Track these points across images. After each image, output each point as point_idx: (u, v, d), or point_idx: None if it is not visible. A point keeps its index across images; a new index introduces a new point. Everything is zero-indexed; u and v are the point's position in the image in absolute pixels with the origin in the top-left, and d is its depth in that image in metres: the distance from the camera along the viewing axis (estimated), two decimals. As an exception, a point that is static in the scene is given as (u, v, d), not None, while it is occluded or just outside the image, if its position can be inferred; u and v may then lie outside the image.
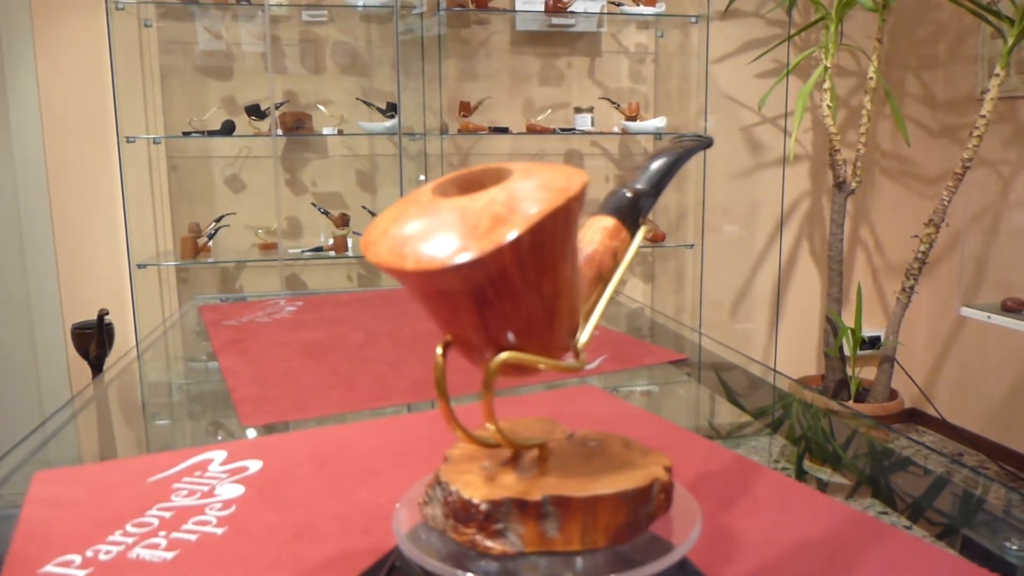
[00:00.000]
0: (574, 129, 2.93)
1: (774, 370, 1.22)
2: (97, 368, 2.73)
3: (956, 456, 3.10)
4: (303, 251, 2.85)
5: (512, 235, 0.33)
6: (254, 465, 0.71)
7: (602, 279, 0.46)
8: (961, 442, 3.19)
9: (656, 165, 0.52)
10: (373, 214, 2.95)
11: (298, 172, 2.93)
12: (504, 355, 0.38)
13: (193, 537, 0.58)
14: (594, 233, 0.48)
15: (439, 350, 0.41)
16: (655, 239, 3.04)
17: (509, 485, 0.40)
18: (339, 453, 0.74)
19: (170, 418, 1.00)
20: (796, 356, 3.36)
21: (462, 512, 0.40)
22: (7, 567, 0.55)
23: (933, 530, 0.68)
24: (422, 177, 2.95)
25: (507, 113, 3.01)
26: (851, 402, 2.96)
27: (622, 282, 3.09)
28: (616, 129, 2.99)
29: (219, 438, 0.86)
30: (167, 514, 0.62)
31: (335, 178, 2.96)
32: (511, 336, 0.38)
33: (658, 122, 2.93)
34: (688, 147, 0.53)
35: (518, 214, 0.33)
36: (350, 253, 2.85)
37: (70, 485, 0.68)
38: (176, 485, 0.67)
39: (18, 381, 2.77)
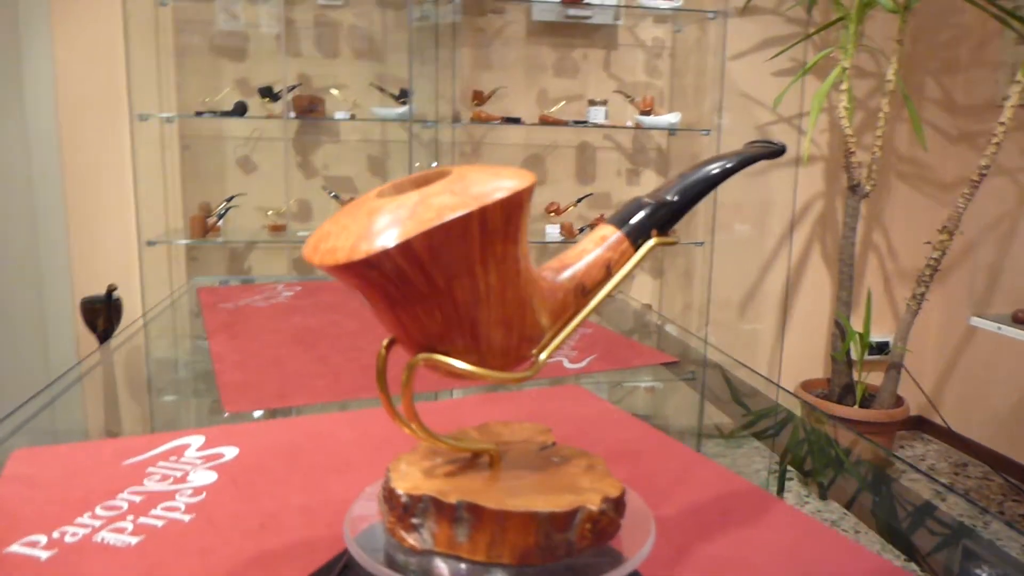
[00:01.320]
0: (587, 122, 2.91)
1: (779, 386, 1.22)
2: (104, 342, 2.76)
3: (960, 466, 3.08)
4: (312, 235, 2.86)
5: (396, 240, 0.33)
6: (230, 452, 0.71)
7: (585, 291, 0.44)
8: (966, 452, 3.17)
9: (692, 177, 0.49)
10: (383, 200, 2.95)
11: (309, 155, 2.93)
12: (420, 356, 0.38)
13: (160, 523, 0.58)
14: (588, 243, 0.47)
15: (384, 343, 0.41)
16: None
17: (435, 484, 0.41)
18: (315, 444, 0.74)
19: (158, 398, 1.01)
20: (803, 359, 3.34)
21: (388, 501, 0.41)
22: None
23: (909, 553, 0.67)
24: (435, 164, 2.95)
25: (520, 103, 3.00)
26: (856, 407, 2.94)
27: (629, 278, 3.06)
28: (630, 123, 2.97)
29: (200, 422, 0.87)
30: (137, 498, 0.62)
31: (346, 163, 2.96)
32: (433, 338, 0.38)
33: (672, 118, 2.91)
34: (752, 153, 0.50)
35: (416, 219, 0.34)
36: (358, 238, 2.86)
37: (46, 464, 0.68)
38: (150, 469, 0.67)
39: (27, 353, 2.80)
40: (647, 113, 2.94)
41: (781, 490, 0.77)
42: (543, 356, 0.42)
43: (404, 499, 0.40)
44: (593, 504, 0.37)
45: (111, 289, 2.69)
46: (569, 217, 3.02)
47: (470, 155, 3.03)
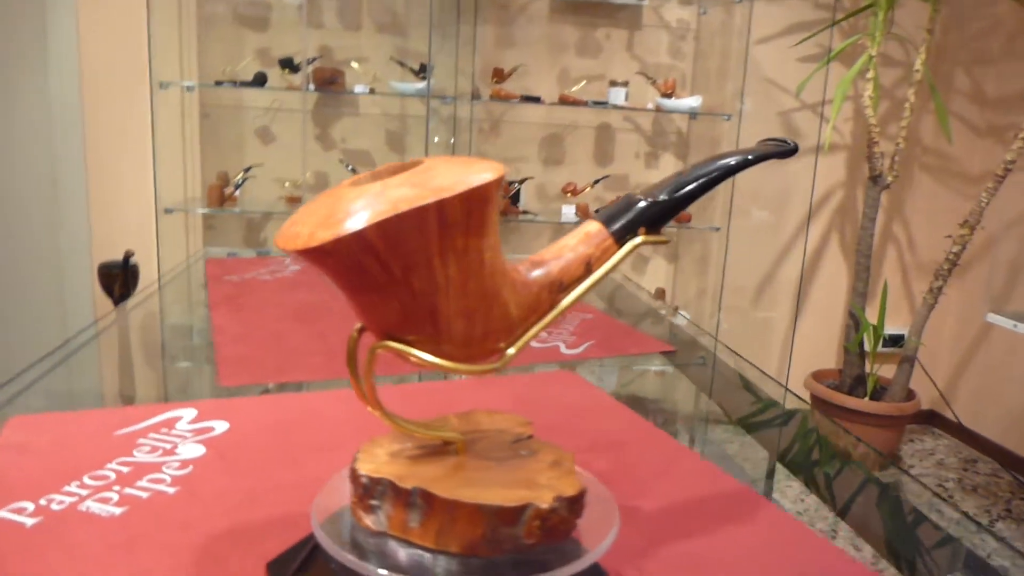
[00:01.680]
0: (607, 103, 2.88)
1: (785, 387, 1.21)
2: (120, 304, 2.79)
3: (969, 462, 3.06)
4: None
5: (351, 229, 0.34)
6: (220, 426, 0.72)
7: (563, 287, 0.44)
8: (976, 448, 3.14)
9: (688, 176, 0.48)
10: (399, 175, 2.95)
11: (328, 128, 2.94)
12: (378, 344, 0.39)
13: (145, 495, 0.59)
14: (571, 238, 0.46)
15: (355, 328, 0.42)
16: (680, 219, 3.00)
17: (396, 468, 0.41)
18: (305, 421, 0.75)
19: (172, 364, 1.03)
20: (815, 348, 3.31)
21: (352, 482, 0.42)
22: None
23: (890, 559, 0.67)
24: (452, 140, 2.94)
25: (541, 82, 2.98)
26: (867, 399, 2.92)
27: (643, 261, 3.05)
28: (650, 106, 2.94)
29: (200, 392, 0.88)
30: (125, 469, 0.63)
31: (365, 136, 2.96)
32: (393, 326, 0.39)
33: (693, 101, 2.87)
34: (761, 152, 0.50)
35: (372, 210, 0.34)
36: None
37: (40, 432, 0.70)
38: (141, 440, 0.69)
39: (45, 316, 2.85)
40: (668, 96, 2.90)
41: (770, 488, 0.77)
42: (512, 350, 0.42)
43: (364, 480, 0.41)
44: (544, 502, 0.38)
45: (128, 255, 2.73)
46: (586, 198, 3.01)
47: (488, 133, 3.02)
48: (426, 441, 0.46)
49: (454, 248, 0.37)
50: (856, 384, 3.00)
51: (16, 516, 0.55)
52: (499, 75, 2.85)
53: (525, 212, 2.97)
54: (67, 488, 0.60)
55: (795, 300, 3.27)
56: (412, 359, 0.40)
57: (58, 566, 0.49)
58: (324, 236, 0.35)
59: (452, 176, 0.37)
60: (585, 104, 2.89)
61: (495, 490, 0.38)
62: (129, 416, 0.74)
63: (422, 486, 0.39)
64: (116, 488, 0.60)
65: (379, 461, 0.43)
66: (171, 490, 0.60)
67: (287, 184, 2.88)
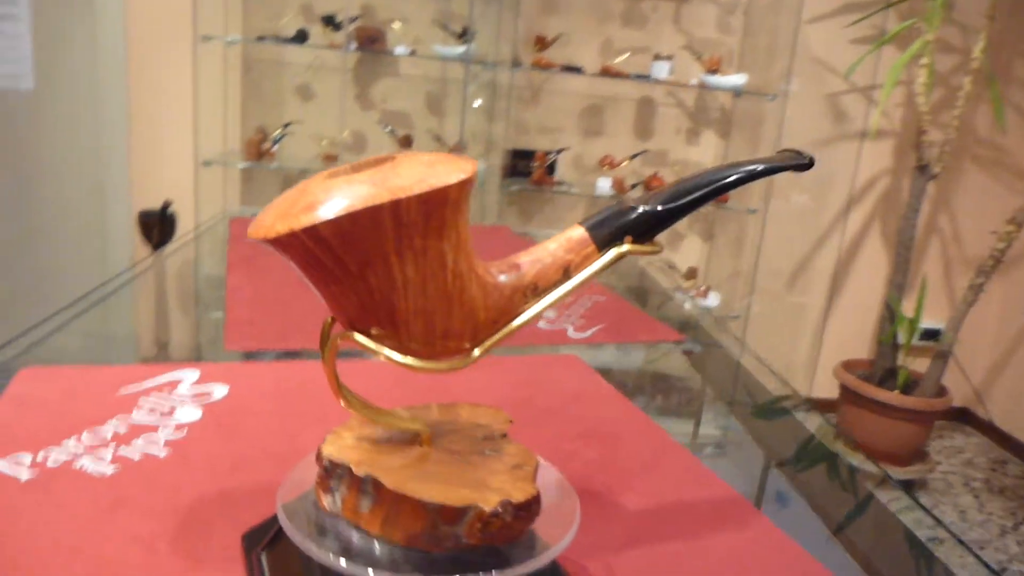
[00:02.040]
0: (650, 76, 2.83)
1: (809, 398, 1.20)
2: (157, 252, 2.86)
3: (999, 463, 3.00)
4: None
5: (304, 224, 0.34)
6: (219, 391, 0.74)
7: (538, 291, 0.44)
8: (1007, 449, 3.08)
9: (684, 185, 0.46)
10: (439, 139, 2.94)
11: (368, 88, 2.94)
12: (338, 334, 0.39)
13: (137, 456, 0.61)
14: (551, 242, 0.45)
15: (328, 317, 0.43)
16: (717, 199, 2.95)
17: (357, 454, 0.42)
18: (303, 390, 0.76)
19: (176, 321, 1.05)
20: (848, 338, 3.26)
21: (316, 461, 0.43)
22: (-32, 457, 0.59)
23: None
24: (477, 103, 2.93)
25: (584, 52, 2.93)
26: (897, 392, 2.87)
27: (678, 237, 3.00)
28: (694, 81, 2.88)
29: (207, 353, 0.90)
30: (123, 428, 0.65)
31: (404, 98, 2.95)
32: (353, 318, 0.39)
33: (738, 79, 2.81)
34: (772, 164, 0.47)
35: (329, 205, 0.34)
36: (408, 176, 2.87)
37: (48, 385, 0.72)
38: (142, 400, 0.71)
39: (86, 261, 2.93)
40: (713, 72, 2.84)
41: (761, 493, 0.76)
42: (477, 352, 0.42)
43: (326, 463, 0.42)
44: (487, 505, 0.38)
45: (166, 205, 2.78)
46: (623, 172, 2.98)
47: (528, 101, 2.99)
48: (395, 429, 0.47)
49: (412, 248, 0.37)
50: (887, 376, 2.95)
51: (14, 469, 0.58)
52: (541, 43, 2.81)
53: (560, 183, 2.95)
54: (66, 442, 0.62)
55: (831, 288, 3.21)
56: (371, 351, 0.40)
57: (44, 523, 0.51)
58: (280, 228, 0.35)
59: (414, 176, 0.36)
60: (627, 77, 2.84)
61: (442, 487, 0.39)
62: (134, 374, 0.76)
63: (374, 475, 0.40)
64: (111, 447, 0.62)
65: (344, 444, 0.44)
66: (163, 453, 0.62)
67: (324, 142, 2.89)
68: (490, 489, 0.39)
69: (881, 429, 2.86)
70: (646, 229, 0.44)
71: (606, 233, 0.43)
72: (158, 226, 2.82)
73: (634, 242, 0.43)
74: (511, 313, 0.42)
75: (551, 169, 2.97)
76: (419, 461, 0.42)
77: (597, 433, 0.73)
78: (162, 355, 0.93)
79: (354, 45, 2.71)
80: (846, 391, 2.94)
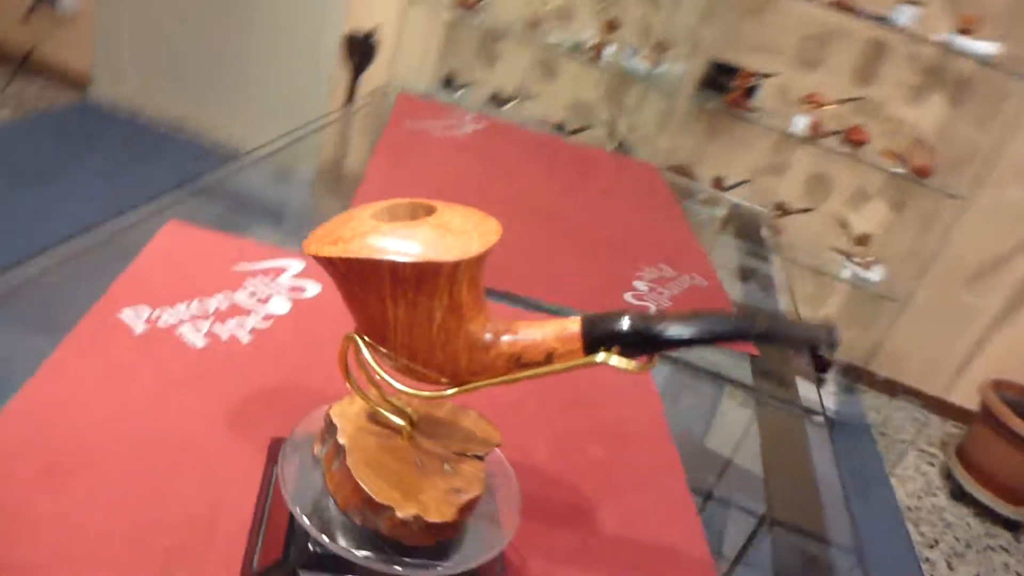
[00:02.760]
0: (887, 19, 2.56)
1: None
2: (354, 77, 3.03)
3: None
4: (563, 43, 2.85)
5: (327, 253, 0.44)
6: (312, 289, 0.85)
7: (520, 364, 0.47)
8: None
9: (697, 322, 0.44)
10: (646, 33, 2.85)
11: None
12: (351, 333, 0.49)
13: (225, 336, 0.74)
14: (550, 325, 0.47)
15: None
16: (921, 172, 2.71)
17: (353, 420, 0.51)
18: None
19: (315, 197, 1.17)
20: (1015, 356, 2.99)
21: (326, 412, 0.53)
22: (108, 293, 0.74)
23: None
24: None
25: (826, -26, 2.67)
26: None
27: (864, 198, 2.78)
28: (938, 37, 2.57)
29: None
30: (225, 305, 0.78)
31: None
32: (363, 329, 0.49)
33: (989, 47, 2.48)
34: (793, 331, 0.45)
35: (348, 245, 0.43)
36: (601, 61, 2.83)
37: (184, 243, 0.86)
38: (248, 281, 0.83)
39: (295, 73, 3.15)
40: (965, 32, 2.52)
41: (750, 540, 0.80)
42: (451, 391, 0.49)
43: (328, 418, 0.52)
44: (402, 512, 0.45)
45: (370, 33, 2.92)
46: (825, 115, 2.77)
47: (747, 13, 2.80)
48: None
49: (404, 297, 0.44)
50: (1037, 408, 2.72)
51: (132, 320, 0.72)
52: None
53: (755, 110, 2.80)
54: (179, 305, 0.75)
55: (1013, 297, 2.93)
56: (366, 362, 0.48)
57: (138, 380, 0.65)
58: (313, 249, 0.45)
59: (427, 240, 0.43)
60: (860, 14, 2.58)
61: (380, 481, 0.47)
62: (253, 252, 0.88)
63: (347, 446, 0.49)
64: (210, 320, 0.75)
65: (350, 410, 0.53)
66: (246, 339, 0.74)
67: (532, 8, 2.87)
68: (416, 500, 0.47)
69: (1012, 462, 2.67)
70: (639, 346, 0.45)
71: (597, 338, 0.46)
72: (360, 51, 2.97)
73: (621, 354, 0.46)
74: (491, 372, 0.48)
75: (750, 92, 2.82)
76: (386, 450, 0.51)
77: (607, 434, 0.78)
78: (292, 229, 1.06)
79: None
80: (986, 411, 2.74)
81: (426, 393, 0.50)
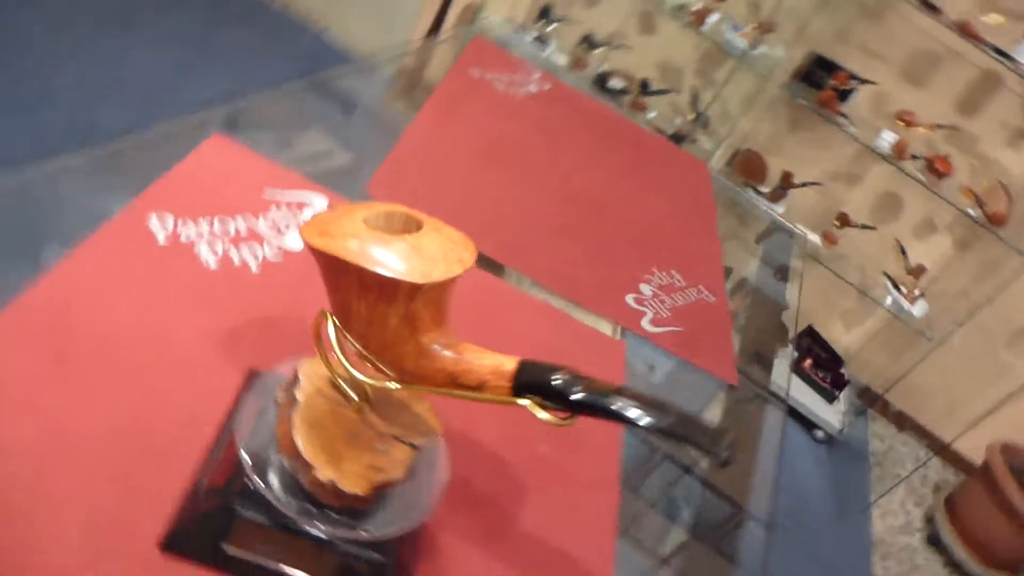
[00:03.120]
0: (1011, 56, 2.43)
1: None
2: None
3: None
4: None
5: (310, 242, 0.50)
6: (330, 230, 0.90)
7: (455, 382, 0.52)
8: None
9: (608, 399, 0.48)
10: (754, 4, 2.76)
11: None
12: (325, 311, 0.55)
13: (237, 261, 0.80)
14: (489, 357, 0.52)
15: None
16: (995, 219, 2.61)
17: (315, 380, 0.58)
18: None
19: (362, 131, 1.21)
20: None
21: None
22: (141, 197, 0.80)
23: None
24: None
25: (958, -7, 2.52)
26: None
27: (930, 229, 2.67)
28: (1056, 86, 2.44)
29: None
30: (244, 229, 0.84)
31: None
32: (333, 310, 0.54)
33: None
34: (692, 431, 0.47)
35: (331, 239, 0.49)
36: (702, 28, 2.75)
37: (221, 158, 0.92)
38: (273, 209, 0.89)
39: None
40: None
41: None
42: (394, 385, 0.54)
43: (295, 371, 0.59)
44: (320, 473, 0.53)
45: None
46: (915, 137, 2.68)
47: (866, 10, 2.68)
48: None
49: (366, 298, 0.50)
50: (1038, 481, 2.69)
51: (157, 228, 0.78)
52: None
53: (844, 115, 2.72)
54: (201, 219, 0.82)
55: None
56: (327, 340, 0.54)
57: (152, 289, 0.72)
58: (307, 235, 0.51)
59: (394, 258, 0.48)
60: (984, 43, 2.45)
61: (315, 442, 0.54)
62: (285, 180, 0.94)
63: (301, 400, 0.56)
64: (226, 241, 0.81)
65: (318, 369, 0.59)
66: (256, 268, 0.80)
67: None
68: (337, 467, 0.53)
69: (995, 525, 2.67)
70: (555, 404, 0.50)
71: (525, 384, 0.50)
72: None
73: (540, 406, 0.50)
74: (431, 382, 0.53)
75: (845, 95, 2.72)
76: (332, 416, 0.57)
77: (563, 435, 0.83)
78: (329, 163, 1.11)
79: None
80: (987, 469, 2.72)
81: (371, 380, 0.55)
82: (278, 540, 0.59)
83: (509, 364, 0.52)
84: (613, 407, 0.48)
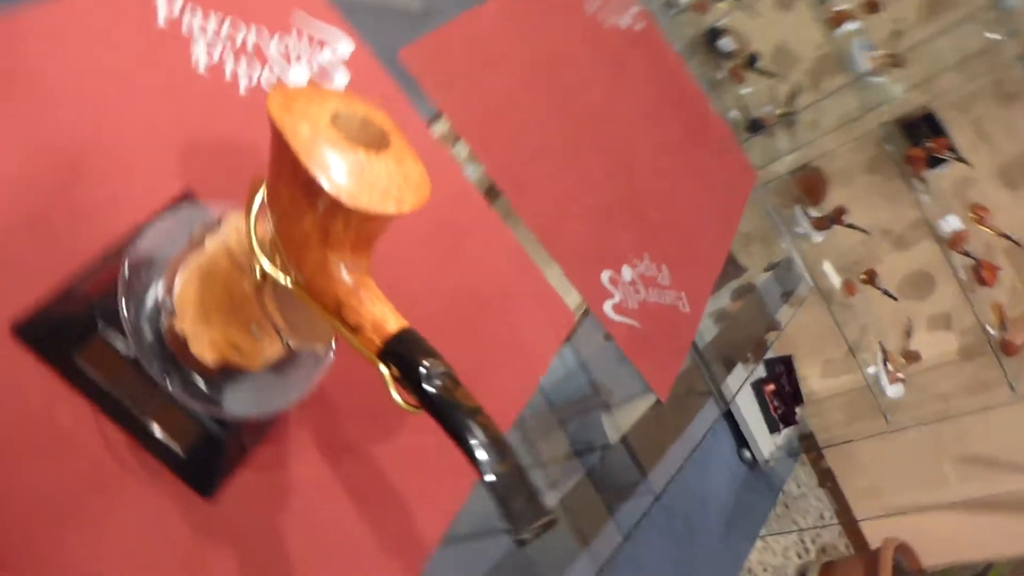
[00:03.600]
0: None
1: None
2: None
3: None
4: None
5: (271, 114, 0.46)
6: (340, 80, 0.85)
7: (336, 314, 0.49)
8: None
9: (460, 419, 0.45)
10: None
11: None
12: (261, 180, 0.51)
13: (228, 75, 0.75)
14: (384, 309, 0.49)
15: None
16: (1006, 348, 2.54)
17: (232, 237, 0.56)
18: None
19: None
20: (940, 541, 2.97)
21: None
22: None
23: None
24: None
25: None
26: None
27: (944, 321, 2.61)
28: None
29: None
30: (251, 43, 0.78)
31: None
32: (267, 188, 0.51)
33: None
34: (503, 490, 0.43)
35: (288, 115, 0.46)
36: (835, 31, 2.58)
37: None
38: (294, 35, 0.83)
39: None
40: None
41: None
42: (284, 279, 0.50)
43: (220, 218, 0.57)
44: (178, 323, 0.53)
45: None
46: (980, 234, 2.56)
47: (1001, 97, 2.50)
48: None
49: (292, 189, 0.47)
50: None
51: (164, 3, 0.73)
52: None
53: (923, 179, 2.59)
54: (211, 15, 0.76)
55: (983, 498, 2.86)
56: (247, 214, 0.52)
57: (134, 73, 0.67)
58: (272, 99, 0.46)
59: (336, 165, 0.45)
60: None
61: (194, 292, 0.53)
62: (318, 9, 0.87)
63: (207, 248, 0.56)
64: (223, 49, 0.76)
65: (241, 226, 0.56)
66: (244, 91, 0.76)
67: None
68: (198, 327, 0.53)
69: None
70: (411, 387, 0.47)
71: (394, 352, 0.47)
72: None
73: (396, 380, 0.47)
74: (320, 299, 0.49)
75: (935, 162, 2.59)
76: (227, 278, 0.53)
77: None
78: (378, 3, 1.03)
79: None
80: (873, 560, 2.77)
81: (268, 264, 0.52)
82: (128, 373, 0.57)
83: (392, 325, 0.48)
84: (455, 420, 0.45)
